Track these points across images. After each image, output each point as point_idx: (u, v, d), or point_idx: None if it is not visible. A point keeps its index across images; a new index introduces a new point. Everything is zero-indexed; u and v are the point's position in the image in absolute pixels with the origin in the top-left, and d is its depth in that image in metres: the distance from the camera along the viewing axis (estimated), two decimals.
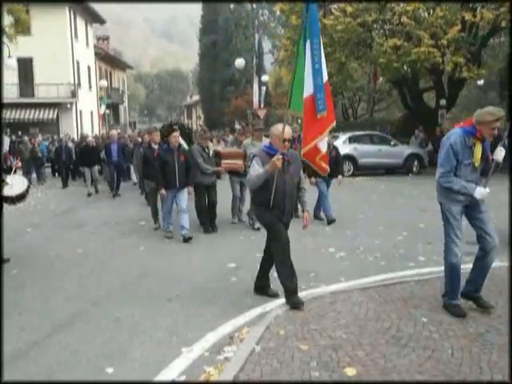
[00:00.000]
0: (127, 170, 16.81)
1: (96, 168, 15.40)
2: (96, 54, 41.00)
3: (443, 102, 22.21)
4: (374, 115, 35.33)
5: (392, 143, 19.36)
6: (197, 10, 53.53)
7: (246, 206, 9.70)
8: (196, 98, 61.49)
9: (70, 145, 19.14)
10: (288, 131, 5.09)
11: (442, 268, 6.05)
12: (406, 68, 20.46)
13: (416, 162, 19.27)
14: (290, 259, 5.08)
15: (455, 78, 20.67)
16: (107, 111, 40.49)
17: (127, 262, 7.24)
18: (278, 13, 31.49)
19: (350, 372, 3.65)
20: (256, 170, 5.01)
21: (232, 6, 45.96)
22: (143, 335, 4.63)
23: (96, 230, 9.56)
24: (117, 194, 14.31)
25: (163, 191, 8.37)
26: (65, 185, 17.32)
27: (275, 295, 5.46)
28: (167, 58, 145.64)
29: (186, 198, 8.47)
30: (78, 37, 36.09)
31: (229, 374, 3.70)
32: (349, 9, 19.69)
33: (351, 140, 18.80)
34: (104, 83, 37.62)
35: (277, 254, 5.13)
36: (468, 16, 18.39)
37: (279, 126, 5.15)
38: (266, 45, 42.95)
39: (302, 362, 3.82)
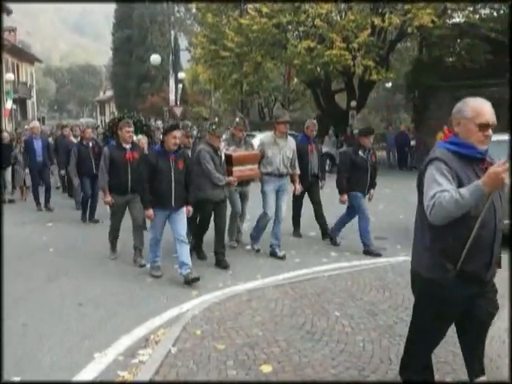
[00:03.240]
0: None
1: (10, 170, 12.87)
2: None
3: (354, 103, 23.07)
4: (289, 115, 35.97)
5: None
6: (111, 3, 51.88)
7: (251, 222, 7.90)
8: (109, 93, 59.73)
9: None
10: (490, 110, 2.70)
11: (353, 263, 6.35)
12: (319, 70, 21.03)
13: (328, 161, 19.86)
14: None
15: (365, 81, 21.55)
16: (14, 106, 38.30)
17: (36, 264, 6.88)
18: (194, 10, 31.29)
19: (266, 369, 3.69)
20: (445, 188, 2.55)
21: (147, 0, 45.07)
22: (53, 341, 4.41)
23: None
24: (48, 206, 11.15)
25: (151, 211, 5.94)
26: None
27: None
28: (79, 52, 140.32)
29: (185, 223, 6.11)
30: None
31: (143, 377, 3.62)
32: (264, 9, 19.95)
33: None
34: (10, 77, 35.55)
35: None
36: (377, 21, 19.23)
37: (473, 102, 2.73)
38: (183, 42, 42.58)
39: (219, 362, 3.80)
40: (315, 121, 8.37)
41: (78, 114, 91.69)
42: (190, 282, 5.76)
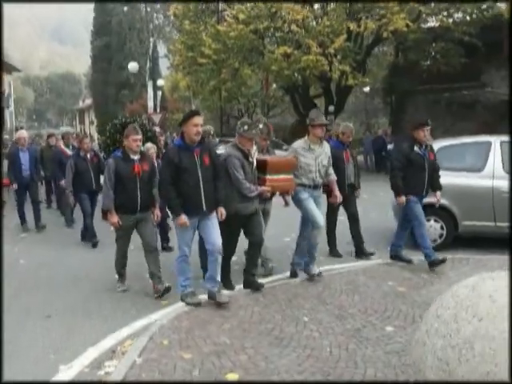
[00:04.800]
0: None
1: None
2: None
3: (331, 108, 23.22)
4: (269, 121, 36.07)
5: (284, 147, 19.90)
6: (89, 9, 51.57)
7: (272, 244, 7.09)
8: (89, 101, 59.30)
9: None
10: None
11: (326, 267, 6.35)
12: (296, 75, 21.14)
13: None
14: None
15: (342, 86, 21.69)
16: None
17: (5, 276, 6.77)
18: (172, 17, 31.26)
19: (232, 377, 3.67)
20: None
21: (126, 8, 44.93)
22: (18, 354, 4.34)
23: None
24: (39, 225, 9.91)
25: (183, 218, 5.03)
26: None
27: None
28: (58, 60, 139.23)
29: (218, 229, 5.19)
30: None
31: None
32: (241, 16, 20.00)
33: None
34: None
35: None
36: (353, 26, 19.40)
37: None
38: (162, 49, 42.52)
39: (184, 371, 3.77)
40: (352, 125, 7.58)
41: (58, 123, 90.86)
42: (216, 302, 5.04)
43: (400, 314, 4.83)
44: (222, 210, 5.21)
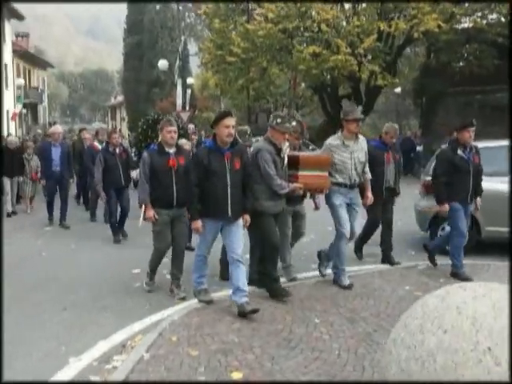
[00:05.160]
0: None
1: (20, 179, 11.33)
2: (14, 51, 39.12)
3: (360, 108, 22.93)
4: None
5: (310, 147, 19.81)
6: (123, 7, 52.29)
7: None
8: (120, 98, 60.11)
9: None
10: None
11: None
12: (325, 75, 21.02)
13: None
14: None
15: (371, 86, 21.47)
16: (24, 110, 38.74)
17: (25, 268, 6.92)
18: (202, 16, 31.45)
19: (236, 376, 3.66)
20: None
21: (158, 6, 45.42)
22: (30, 346, 4.43)
23: None
24: (64, 224, 9.79)
25: (199, 223, 4.91)
26: None
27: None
28: (92, 57, 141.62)
29: (241, 237, 5.03)
30: None
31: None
32: (270, 15, 19.98)
33: None
34: (21, 82, 36.00)
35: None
36: (383, 26, 19.18)
37: None
38: (193, 47, 42.81)
39: (190, 368, 3.78)
40: (397, 125, 7.19)
41: (91, 118, 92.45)
42: (245, 314, 4.69)
43: None
44: (247, 218, 5.02)
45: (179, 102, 26.63)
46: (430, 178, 7.87)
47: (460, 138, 5.98)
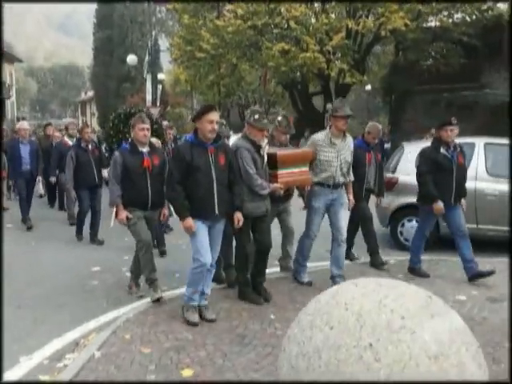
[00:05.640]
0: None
1: None
2: None
3: (329, 106, 23.11)
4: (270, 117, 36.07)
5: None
6: (92, 3, 51.48)
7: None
8: (90, 94, 59.33)
9: None
10: None
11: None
12: (294, 72, 21.09)
13: None
14: None
15: (340, 84, 21.62)
16: None
17: None
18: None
19: (187, 373, 3.67)
20: None
21: (128, 1, 44.87)
22: None
23: None
24: (27, 224, 9.22)
25: (190, 221, 4.44)
26: None
27: None
28: (64, 52, 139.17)
29: (219, 242, 4.81)
30: None
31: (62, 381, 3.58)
32: (240, 11, 19.93)
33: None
34: None
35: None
36: (351, 24, 19.32)
37: None
38: (164, 42, 42.45)
39: (141, 366, 3.77)
40: (380, 126, 6.96)
41: (61, 114, 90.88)
42: (204, 317, 4.62)
43: None
44: (239, 216, 4.68)
45: (149, 97, 26.41)
46: (390, 175, 8.04)
47: (441, 136, 5.81)
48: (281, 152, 5.22)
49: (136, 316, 4.72)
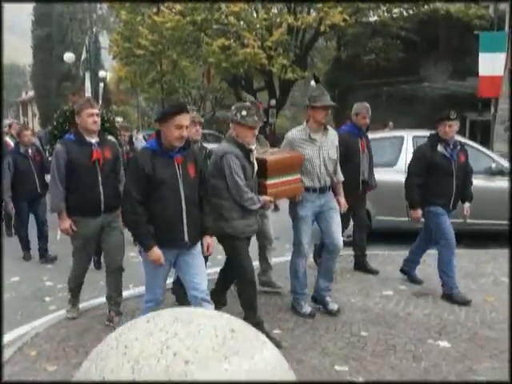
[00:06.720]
0: None
1: None
2: None
3: (273, 101, 23.16)
4: (218, 113, 35.86)
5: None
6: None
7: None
8: (31, 93, 57.36)
9: None
10: None
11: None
12: (237, 68, 20.95)
13: None
14: None
15: (283, 79, 21.63)
16: None
17: None
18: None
19: None
20: None
21: None
22: None
23: None
24: None
25: (157, 252, 3.52)
26: None
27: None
28: (7, 51, 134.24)
29: (204, 269, 3.78)
30: None
31: None
32: (178, 7, 19.59)
33: None
34: None
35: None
36: (291, 20, 19.33)
37: None
38: (106, 40, 41.44)
39: None
40: (368, 105, 5.88)
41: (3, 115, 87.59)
42: None
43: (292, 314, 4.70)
44: (209, 241, 3.79)
45: (88, 96, 25.69)
46: None
47: (440, 133, 5.04)
48: (271, 159, 4.27)
49: (46, 330, 4.42)
